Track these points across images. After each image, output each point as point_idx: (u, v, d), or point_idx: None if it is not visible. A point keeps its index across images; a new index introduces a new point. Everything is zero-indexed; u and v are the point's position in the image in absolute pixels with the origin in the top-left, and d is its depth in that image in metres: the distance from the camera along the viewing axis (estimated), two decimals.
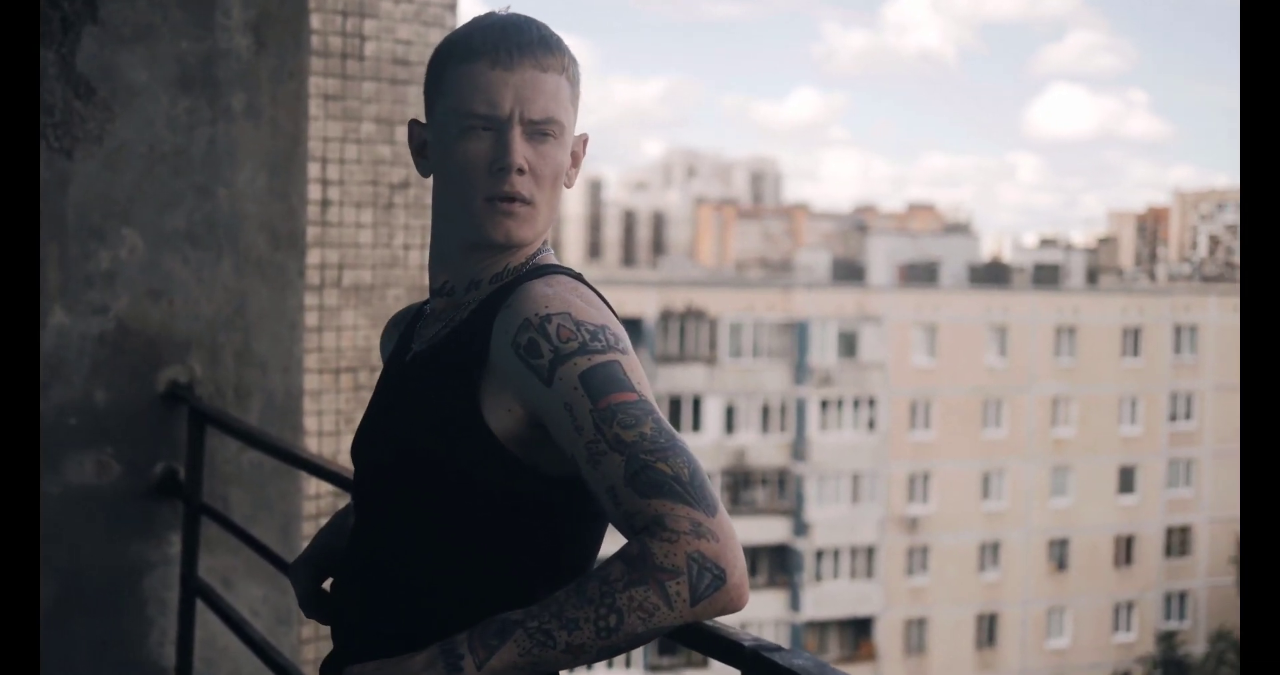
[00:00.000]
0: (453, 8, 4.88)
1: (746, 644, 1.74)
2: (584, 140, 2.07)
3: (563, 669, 1.75)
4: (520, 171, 1.93)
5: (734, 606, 1.72)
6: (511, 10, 2.02)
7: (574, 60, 2.00)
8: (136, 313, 4.40)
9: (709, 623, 1.77)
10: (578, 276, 1.96)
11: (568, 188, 2.03)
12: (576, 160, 2.05)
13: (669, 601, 1.67)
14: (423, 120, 2.05)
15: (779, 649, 1.72)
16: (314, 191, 4.62)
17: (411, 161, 4.89)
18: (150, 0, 4.41)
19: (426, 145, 2.03)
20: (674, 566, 1.67)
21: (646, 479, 1.72)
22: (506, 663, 1.71)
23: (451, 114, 1.96)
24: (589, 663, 1.74)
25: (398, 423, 1.98)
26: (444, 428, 1.90)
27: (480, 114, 1.93)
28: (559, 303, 1.86)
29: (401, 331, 2.19)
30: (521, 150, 1.94)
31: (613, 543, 1.72)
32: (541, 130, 1.95)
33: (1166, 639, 48.53)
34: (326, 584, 2.31)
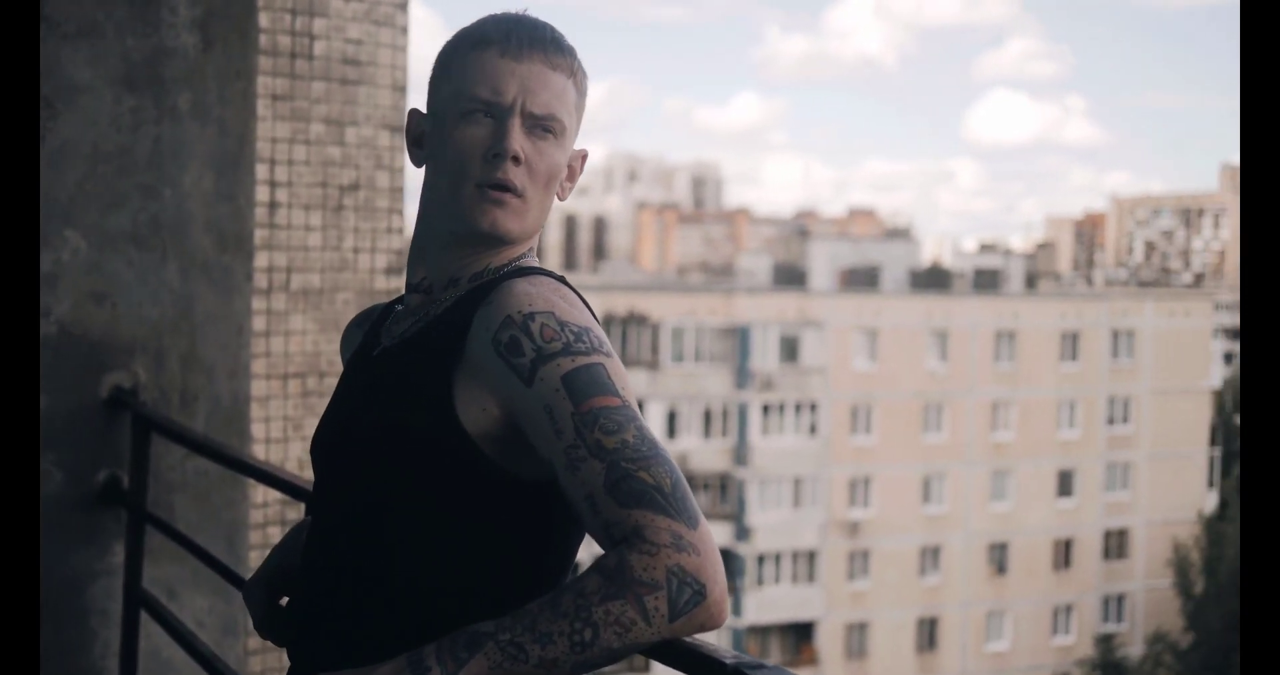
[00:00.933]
0: (404, 7, 4.80)
1: (728, 661, 1.67)
2: (583, 156, 2.02)
3: None
4: (516, 160, 1.89)
5: (713, 623, 1.66)
6: (527, 10, 1.99)
7: (584, 71, 1.98)
8: (79, 316, 4.29)
9: (687, 638, 1.71)
10: (560, 279, 1.91)
11: (560, 200, 1.99)
12: (573, 174, 2.01)
13: (647, 617, 1.62)
14: (423, 111, 2.01)
15: (762, 666, 1.65)
16: (262, 193, 4.54)
17: (360, 163, 4.82)
18: None
19: (425, 136, 1.99)
20: (653, 580, 1.62)
21: (627, 488, 1.67)
22: None
23: (454, 98, 1.93)
24: None
25: (364, 418, 1.91)
26: (415, 424, 1.83)
27: (483, 98, 1.90)
28: (543, 302, 1.81)
29: (367, 330, 2.12)
30: (519, 140, 1.90)
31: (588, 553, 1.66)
32: (543, 125, 1.92)
33: (1104, 641, 48.90)
34: (283, 603, 2.23)
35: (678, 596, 1.62)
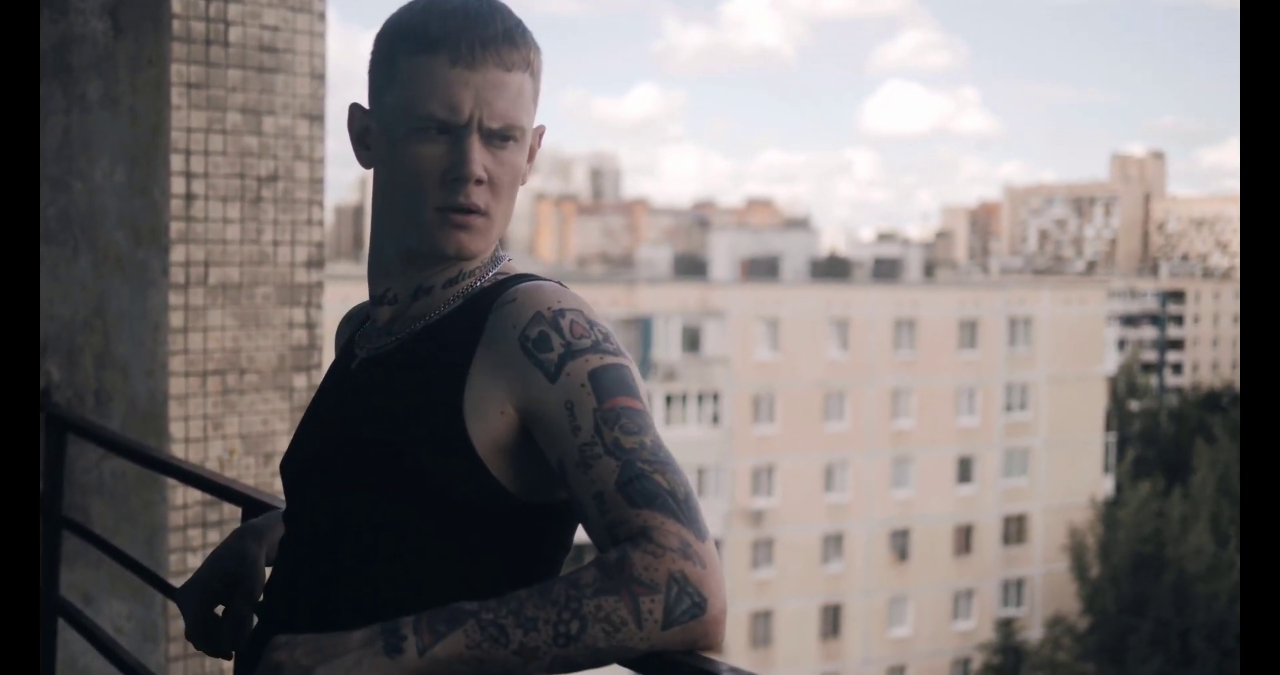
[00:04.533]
0: None
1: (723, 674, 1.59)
2: (540, 133, 1.89)
3: (512, 673, 1.57)
4: (479, 182, 1.77)
5: (706, 641, 1.57)
6: None
7: (538, 50, 1.83)
8: None
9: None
10: (560, 285, 1.83)
11: (522, 185, 1.88)
12: (532, 154, 1.88)
13: (639, 619, 1.53)
14: (365, 104, 1.86)
15: None
16: (177, 185, 4.41)
17: (279, 154, 4.68)
18: None
19: (369, 133, 1.85)
20: (652, 581, 1.53)
21: (640, 488, 1.60)
22: (452, 653, 1.54)
23: (402, 111, 1.78)
24: (539, 673, 1.57)
25: (350, 434, 1.81)
26: (412, 439, 1.73)
27: (436, 117, 1.76)
28: (572, 300, 1.75)
29: (351, 333, 2.01)
30: (480, 159, 1.77)
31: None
32: (501, 135, 1.78)
33: (1004, 626, 49.58)
34: (218, 611, 2.13)
35: (675, 604, 1.54)
